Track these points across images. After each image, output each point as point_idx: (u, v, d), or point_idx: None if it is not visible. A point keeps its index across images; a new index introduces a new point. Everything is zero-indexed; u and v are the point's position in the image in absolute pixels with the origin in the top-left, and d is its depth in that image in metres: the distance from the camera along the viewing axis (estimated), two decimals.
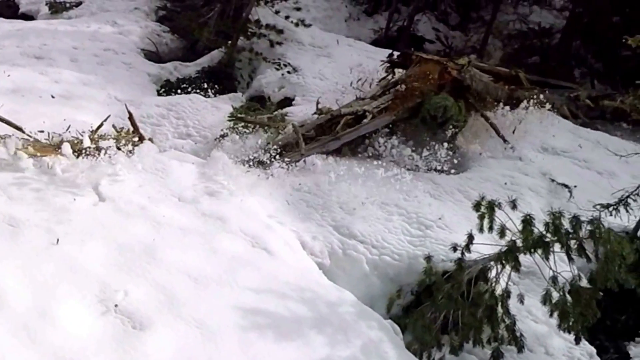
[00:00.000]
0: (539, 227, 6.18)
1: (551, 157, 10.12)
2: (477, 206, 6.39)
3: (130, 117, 9.20)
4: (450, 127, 9.90)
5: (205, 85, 12.64)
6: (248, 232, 7.12)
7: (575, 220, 5.98)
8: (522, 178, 9.40)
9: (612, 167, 9.88)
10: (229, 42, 13.80)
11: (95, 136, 8.40)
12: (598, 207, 7.21)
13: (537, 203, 8.76)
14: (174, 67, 13.40)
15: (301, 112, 10.94)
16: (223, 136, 9.86)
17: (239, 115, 10.06)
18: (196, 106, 10.73)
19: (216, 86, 12.88)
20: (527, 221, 6.00)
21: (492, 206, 6.18)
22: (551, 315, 6.30)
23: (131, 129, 9.34)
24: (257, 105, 11.09)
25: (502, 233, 6.33)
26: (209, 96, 12.01)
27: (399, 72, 11.31)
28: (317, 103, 10.56)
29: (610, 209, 7.18)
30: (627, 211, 7.12)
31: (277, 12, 14.09)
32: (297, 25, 14.10)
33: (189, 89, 12.54)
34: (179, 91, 12.31)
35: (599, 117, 12.11)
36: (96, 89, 11.27)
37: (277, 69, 12.63)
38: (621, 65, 14.96)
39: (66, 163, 7.62)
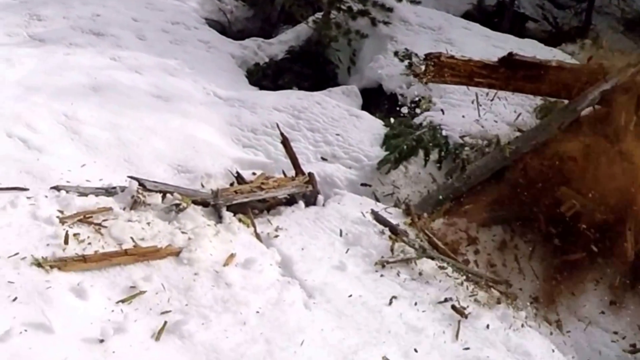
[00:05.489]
0: None
1: None
2: None
3: (286, 144, 6.60)
4: None
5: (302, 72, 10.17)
6: None
7: None
8: None
9: None
10: (315, 14, 11.13)
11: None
12: None
13: None
14: (257, 46, 10.57)
15: (455, 123, 8.41)
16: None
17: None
18: (330, 113, 8.03)
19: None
20: None
21: None
22: None
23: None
24: (409, 119, 8.46)
25: None
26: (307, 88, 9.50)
27: None
28: None
29: None
30: None
31: None
32: (400, 0, 11.41)
33: (286, 79, 9.98)
34: (279, 82, 9.75)
35: None
36: (187, 81, 8.49)
37: (401, 60, 10.00)
38: None
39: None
